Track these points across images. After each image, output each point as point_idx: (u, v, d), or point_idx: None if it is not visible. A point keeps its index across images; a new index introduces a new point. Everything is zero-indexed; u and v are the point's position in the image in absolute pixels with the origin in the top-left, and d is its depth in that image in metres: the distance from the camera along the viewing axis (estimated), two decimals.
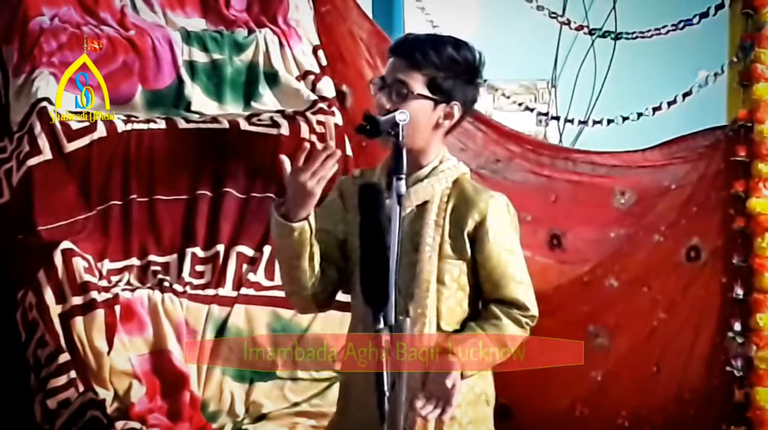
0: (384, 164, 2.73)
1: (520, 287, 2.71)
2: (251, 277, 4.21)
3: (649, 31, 4.35)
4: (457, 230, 2.70)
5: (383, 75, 2.70)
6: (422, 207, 2.70)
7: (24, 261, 4.07)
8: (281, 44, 4.62)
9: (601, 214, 4.23)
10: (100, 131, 4.18)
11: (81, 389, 3.84)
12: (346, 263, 2.74)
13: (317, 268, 2.66)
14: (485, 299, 2.74)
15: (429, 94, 2.66)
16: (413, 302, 2.66)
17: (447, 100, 2.68)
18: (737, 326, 3.88)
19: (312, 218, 2.60)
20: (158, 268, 4.21)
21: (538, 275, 4.24)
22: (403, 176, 2.42)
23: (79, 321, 3.91)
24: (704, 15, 4.20)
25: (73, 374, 3.85)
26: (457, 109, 2.70)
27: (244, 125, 4.38)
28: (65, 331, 3.90)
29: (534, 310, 2.72)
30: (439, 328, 2.68)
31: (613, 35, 4.53)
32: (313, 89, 4.58)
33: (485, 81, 4.59)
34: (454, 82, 2.69)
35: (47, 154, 4.11)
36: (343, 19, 4.70)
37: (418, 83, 2.66)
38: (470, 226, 2.69)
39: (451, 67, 2.68)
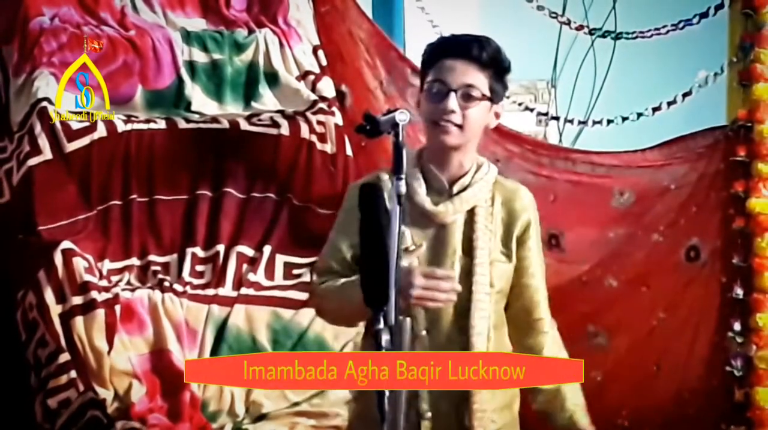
0: (415, 164, 2.73)
1: (544, 292, 2.83)
2: (251, 277, 4.21)
3: (649, 31, 4.35)
4: (507, 233, 2.73)
5: (438, 79, 2.67)
6: (471, 212, 2.71)
7: (24, 261, 4.07)
8: (281, 44, 4.62)
9: (600, 214, 4.23)
10: (100, 131, 4.18)
11: (81, 388, 3.84)
12: None
13: None
14: (518, 300, 2.78)
15: (489, 95, 2.68)
16: (476, 307, 2.66)
17: (497, 100, 2.71)
18: (737, 326, 3.88)
19: None
20: (158, 268, 4.21)
21: None
22: (404, 176, 2.42)
23: (79, 321, 3.91)
24: (704, 15, 4.21)
25: (73, 373, 3.85)
26: (501, 108, 2.73)
27: (244, 125, 4.39)
28: (65, 331, 3.90)
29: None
30: (488, 334, 2.69)
31: (613, 35, 4.53)
32: (313, 89, 4.58)
33: None
34: (502, 82, 2.72)
35: (47, 154, 4.12)
36: (343, 19, 4.70)
37: (484, 85, 2.67)
38: (520, 228, 2.74)
39: (501, 67, 2.72)
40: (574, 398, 2.80)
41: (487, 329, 2.68)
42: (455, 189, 2.70)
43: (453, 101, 2.64)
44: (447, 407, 2.67)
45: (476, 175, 2.72)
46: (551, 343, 2.81)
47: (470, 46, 2.67)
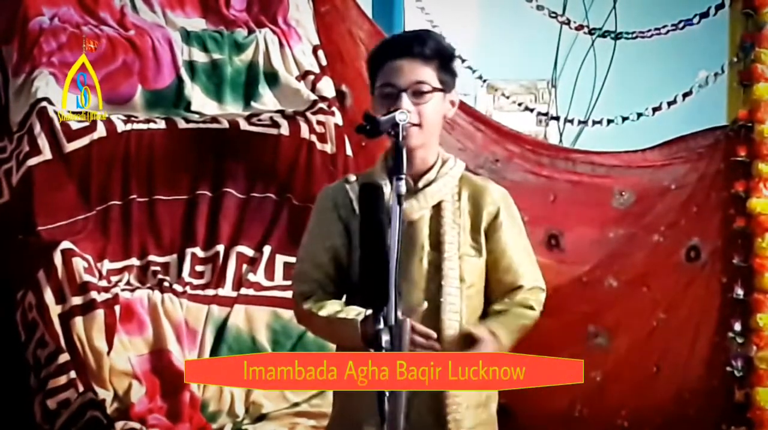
0: (382, 166, 2.74)
1: (537, 275, 2.80)
2: (251, 277, 4.21)
3: (649, 31, 4.34)
4: (475, 227, 2.73)
5: (387, 82, 2.67)
6: (437, 207, 2.71)
7: (24, 261, 4.07)
8: (281, 44, 4.62)
9: (600, 214, 4.22)
10: (100, 131, 4.18)
11: (81, 389, 3.84)
12: (348, 274, 2.74)
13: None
14: (497, 290, 2.77)
15: (440, 86, 2.68)
16: (445, 301, 2.66)
17: (449, 89, 2.72)
18: (737, 326, 3.87)
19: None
20: (158, 268, 4.21)
21: None
22: (404, 176, 2.42)
23: (78, 321, 3.91)
24: (704, 15, 4.20)
25: (72, 374, 3.85)
26: (456, 96, 2.73)
27: (244, 125, 4.38)
28: (65, 331, 3.90)
29: (543, 295, 2.84)
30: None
31: (613, 35, 4.53)
32: (313, 89, 4.58)
33: (485, 81, 4.67)
34: (450, 70, 2.72)
35: (47, 154, 4.12)
36: (343, 19, 4.70)
37: (432, 78, 2.68)
38: (486, 220, 2.73)
39: (446, 56, 2.71)
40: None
41: (459, 323, 2.67)
42: (420, 184, 2.70)
43: (406, 101, 2.64)
44: (420, 405, 2.65)
45: (441, 170, 2.73)
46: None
47: (411, 43, 2.68)
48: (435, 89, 2.67)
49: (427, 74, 2.67)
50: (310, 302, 2.71)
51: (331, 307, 2.68)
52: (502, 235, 2.74)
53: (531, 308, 2.77)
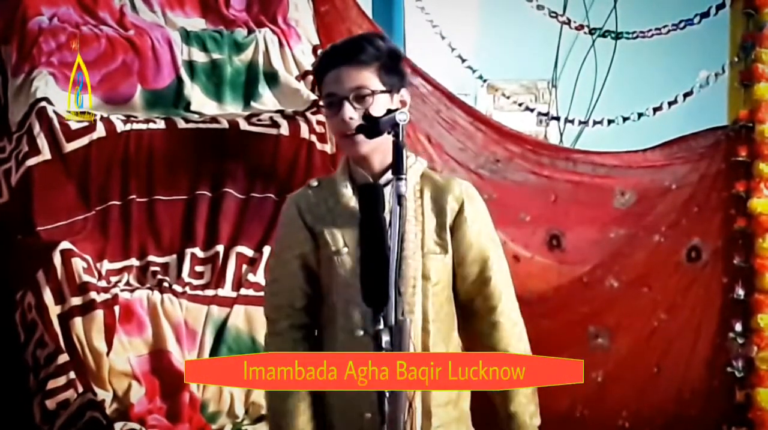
0: (343, 170, 2.75)
1: (505, 274, 2.77)
2: (251, 277, 4.20)
3: (649, 30, 4.34)
4: (438, 223, 2.72)
5: (329, 92, 2.66)
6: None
7: (23, 261, 4.06)
8: (281, 44, 4.61)
9: (601, 214, 4.22)
10: (99, 131, 4.17)
11: (80, 389, 3.83)
12: (318, 283, 2.74)
13: None
14: (463, 288, 2.75)
15: (384, 88, 2.67)
16: (400, 300, 2.65)
17: (396, 89, 2.70)
18: (738, 327, 3.88)
19: None
20: (157, 268, 4.20)
21: (538, 275, 4.27)
22: (404, 176, 2.42)
23: (78, 322, 3.90)
24: (705, 15, 4.20)
25: (72, 374, 3.84)
26: (407, 95, 2.72)
27: (243, 125, 4.38)
28: (64, 331, 3.89)
29: (512, 292, 2.78)
30: (425, 327, 2.69)
31: (613, 35, 4.53)
32: (313, 89, 4.57)
33: (485, 81, 4.67)
34: (395, 69, 2.70)
35: (46, 154, 4.11)
36: (343, 19, 4.69)
37: (372, 81, 2.66)
38: (450, 216, 2.72)
39: (388, 56, 2.69)
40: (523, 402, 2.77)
41: (414, 323, 2.65)
42: (381, 183, 2.68)
43: (348, 109, 2.64)
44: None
45: None
46: (509, 337, 2.76)
47: (347, 50, 2.68)
48: (376, 92, 2.66)
49: (367, 78, 2.65)
50: (275, 345, 2.73)
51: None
52: (467, 230, 2.73)
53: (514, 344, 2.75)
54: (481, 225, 2.76)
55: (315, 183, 2.81)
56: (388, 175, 2.68)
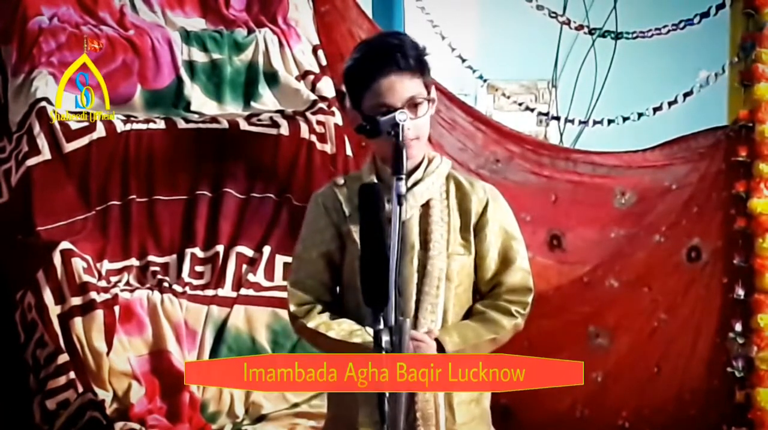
0: (370, 167, 2.74)
1: (525, 274, 2.74)
2: (251, 277, 4.20)
3: (649, 30, 4.34)
4: (463, 224, 2.71)
5: (381, 103, 2.60)
6: (426, 205, 2.70)
7: (23, 261, 4.06)
8: (281, 44, 4.61)
9: (601, 214, 4.22)
10: (99, 131, 4.18)
11: (80, 389, 3.83)
12: (341, 275, 2.73)
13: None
14: (484, 288, 2.74)
15: (427, 94, 2.66)
16: (424, 300, 2.65)
17: (430, 89, 2.69)
18: (738, 327, 3.87)
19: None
20: (157, 268, 4.21)
21: (538, 275, 4.23)
22: (404, 176, 2.41)
23: (78, 322, 3.90)
24: (705, 15, 4.19)
25: (72, 374, 3.85)
26: (435, 95, 2.71)
27: (243, 125, 4.38)
28: (64, 331, 3.90)
29: (530, 297, 2.74)
30: (445, 327, 2.67)
31: (613, 35, 4.53)
32: (313, 89, 4.57)
33: (485, 81, 4.67)
34: (428, 69, 2.69)
35: (46, 154, 4.11)
36: (343, 18, 4.70)
37: (422, 88, 2.65)
38: (474, 218, 2.72)
39: (425, 62, 2.68)
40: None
41: (435, 323, 2.64)
42: (408, 184, 2.66)
43: (403, 116, 2.55)
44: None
45: (428, 168, 2.71)
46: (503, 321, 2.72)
47: (394, 56, 2.62)
48: (425, 99, 2.65)
49: (417, 86, 2.63)
50: (313, 318, 2.68)
51: (339, 328, 2.64)
52: (488, 231, 2.73)
53: (511, 314, 2.71)
54: (505, 225, 2.75)
55: (341, 181, 2.78)
56: (416, 175, 2.68)
